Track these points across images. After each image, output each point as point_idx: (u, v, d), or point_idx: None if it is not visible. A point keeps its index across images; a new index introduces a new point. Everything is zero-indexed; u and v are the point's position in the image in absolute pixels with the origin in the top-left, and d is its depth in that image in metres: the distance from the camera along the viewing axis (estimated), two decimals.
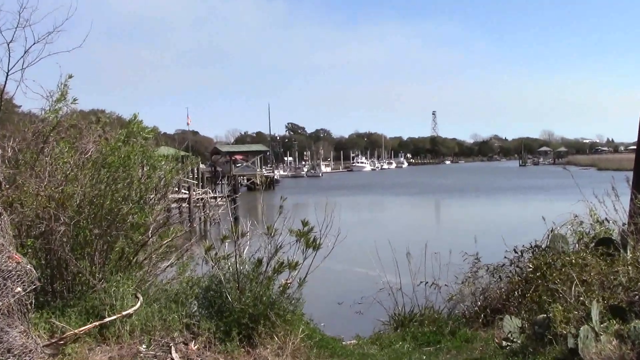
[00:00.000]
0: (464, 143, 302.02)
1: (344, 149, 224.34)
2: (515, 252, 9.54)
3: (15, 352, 5.08)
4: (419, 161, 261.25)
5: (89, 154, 7.55)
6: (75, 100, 7.74)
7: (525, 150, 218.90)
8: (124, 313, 6.61)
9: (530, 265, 8.78)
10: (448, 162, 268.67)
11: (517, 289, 8.76)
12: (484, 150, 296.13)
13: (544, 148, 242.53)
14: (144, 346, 6.54)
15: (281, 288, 7.56)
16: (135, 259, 7.75)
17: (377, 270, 10.21)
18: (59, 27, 7.52)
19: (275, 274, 7.58)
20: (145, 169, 7.95)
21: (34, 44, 7.38)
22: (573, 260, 7.80)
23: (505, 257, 9.61)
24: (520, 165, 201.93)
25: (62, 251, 6.95)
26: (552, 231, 9.36)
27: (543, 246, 9.27)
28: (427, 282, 10.08)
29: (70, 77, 7.63)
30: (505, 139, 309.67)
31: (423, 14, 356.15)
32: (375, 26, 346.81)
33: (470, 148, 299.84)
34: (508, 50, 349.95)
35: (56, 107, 7.61)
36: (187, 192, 46.31)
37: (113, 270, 7.24)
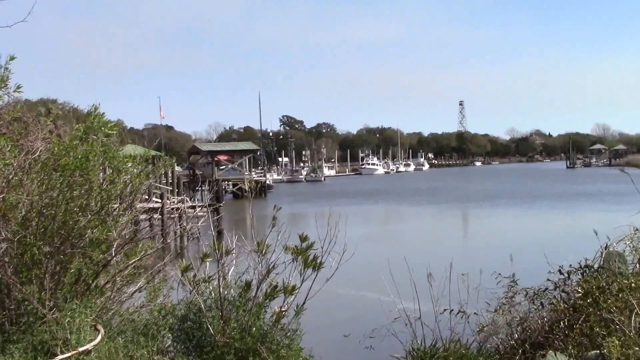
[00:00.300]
0: (497, 140, 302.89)
1: (351, 148, 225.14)
2: (561, 273, 9.50)
3: None
4: (443, 162, 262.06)
5: (37, 153, 7.47)
6: (19, 87, 7.67)
7: (574, 148, 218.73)
8: (80, 349, 6.57)
9: (580, 290, 8.73)
10: (478, 164, 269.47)
11: (563, 319, 8.71)
12: (523, 148, 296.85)
13: (597, 146, 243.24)
14: None
15: (274, 317, 7.54)
16: (95, 283, 7.71)
17: (391, 296, 10.15)
18: None
19: (267, 300, 7.57)
20: (107, 173, 7.91)
21: None
22: (633, 284, 7.76)
23: (548, 280, 9.56)
24: (567, 167, 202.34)
25: (4, 274, 6.90)
26: (606, 248, 9.32)
27: (595, 266, 9.23)
28: (452, 310, 10.02)
29: (13, 58, 7.55)
30: (549, 135, 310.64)
31: None
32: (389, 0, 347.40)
33: (505, 146, 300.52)
34: (552, 27, 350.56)
35: None
36: (160, 200, 46.44)
37: (67, 297, 7.20)
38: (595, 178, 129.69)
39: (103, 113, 7.97)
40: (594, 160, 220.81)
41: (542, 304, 9.52)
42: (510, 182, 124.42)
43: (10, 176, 7.16)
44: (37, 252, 7.11)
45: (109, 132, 7.96)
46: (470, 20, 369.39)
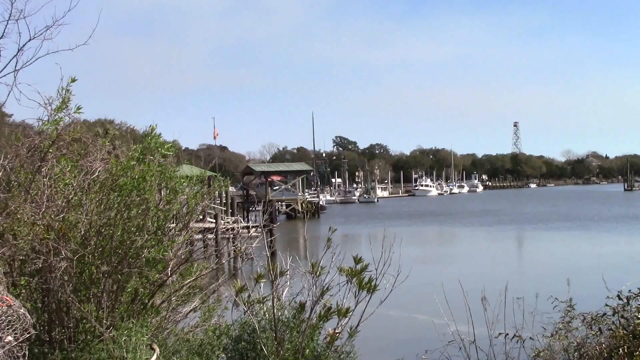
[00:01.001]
0: (553, 162, 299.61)
1: (405, 169, 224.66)
2: (620, 298, 9.34)
3: None
4: (498, 184, 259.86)
5: (96, 174, 7.55)
6: (79, 108, 7.76)
7: (632, 170, 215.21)
8: None
9: (639, 316, 8.58)
10: (533, 186, 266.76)
11: (623, 345, 8.56)
12: (579, 170, 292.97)
13: None
14: None
15: (328, 339, 7.52)
16: (151, 302, 7.77)
17: (444, 318, 10.07)
18: (59, 20, 7.52)
19: (321, 322, 7.55)
20: (163, 193, 7.98)
21: (29, 40, 7.38)
22: None
23: (606, 305, 9.40)
24: (625, 190, 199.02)
25: (63, 292, 6.99)
26: None
27: None
28: (507, 334, 9.91)
29: (74, 80, 7.65)
30: (606, 157, 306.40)
31: (501, 3, 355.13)
32: (442, 18, 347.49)
33: (561, 168, 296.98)
34: (609, 46, 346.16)
35: (56, 116, 7.61)
36: (214, 220, 46.74)
37: (124, 316, 7.27)
38: None
39: (160, 134, 8.06)
40: None
41: (600, 329, 9.36)
42: (567, 204, 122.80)
43: (70, 196, 7.27)
44: (95, 271, 7.19)
45: (166, 152, 8.04)
46: (525, 39, 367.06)
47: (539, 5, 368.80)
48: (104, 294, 7.23)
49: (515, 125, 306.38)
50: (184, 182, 8.21)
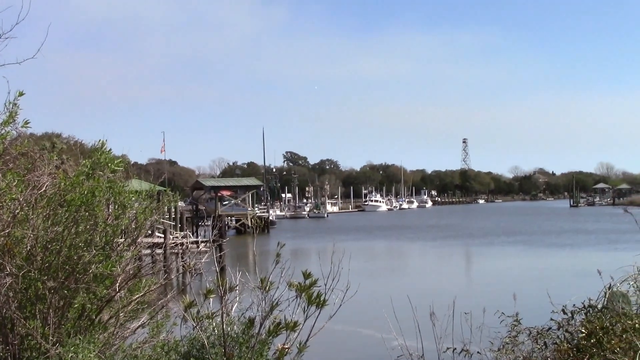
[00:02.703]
0: (501, 178, 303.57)
1: (355, 184, 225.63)
2: (565, 313, 9.47)
3: None
4: (447, 200, 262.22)
5: (43, 189, 7.50)
6: (26, 122, 7.70)
7: (577, 187, 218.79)
8: None
9: (583, 330, 8.70)
10: (482, 201, 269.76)
11: (567, 359, 8.69)
12: (526, 187, 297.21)
13: (601, 185, 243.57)
14: None
15: (277, 354, 7.52)
16: (98, 318, 7.70)
17: (393, 333, 10.12)
18: (7, 33, 7.52)
19: (271, 337, 7.54)
20: (112, 208, 7.93)
21: None
22: (637, 325, 7.74)
23: (551, 319, 9.53)
24: (571, 206, 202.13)
25: (7, 308, 6.91)
26: (610, 288, 9.31)
27: (599, 306, 9.21)
28: (455, 349, 10.00)
29: (21, 94, 7.59)
30: (553, 174, 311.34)
31: (454, 21, 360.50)
32: (394, 36, 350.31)
33: (509, 184, 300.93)
34: (555, 66, 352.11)
35: (3, 131, 7.55)
36: (163, 235, 46.42)
37: (71, 332, 7.19)
38: (598, 217, 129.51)
39: (110, 149, 8.02)
40: (598, 199, 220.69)
41: (545, 343, 9.48)
42: (514, 220, 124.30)
43: (17, 211, 7.19)
44: (41, 287, 7.11)
45: (115, 168, 7.99)
46: (475, 58, 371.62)
47: (489, 25, 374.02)
48: (50, 310, 7.16)
49: (464, 142, 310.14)
50: (132, 197, 8.17)
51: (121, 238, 8.02)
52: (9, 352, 7.03)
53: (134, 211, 8.14)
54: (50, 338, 6.98)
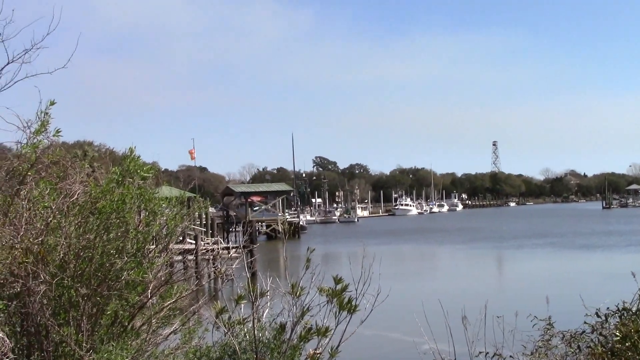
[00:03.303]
0: (532, 180, 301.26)
1: (385, 189, 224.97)
2: (598, 316, 9.38)
3: None
4: (477, 203, 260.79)
5: (75, 197, 7.55)
6: (58, 131, 7.76)
7: (610, 189, 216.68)
8: None
9: (617, 333, 8.61)
10: (513, 204, 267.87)
11: None
12: (558, 189, 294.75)
13: (634, 186, 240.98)
14: None
15: (309, 359, 7.51)
16: (131, 325, 7.75)
17: (425, 337, 10.08)
18: (38, 44, 7.54)
19: (302, 342, 7.54)
20: (143, 215, 7.97)
21: (7, 63, 7.40)
22: None
23: (585, 323, 9.44)
24: (603, 208, 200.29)
25: (42, 316, 6.96)
26: None
27: (634, 309, 9.11)
28: (487, 353, 9.93)
29: (53, 103, 7.66)
30: (584, 176, 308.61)
31: (480, 23, 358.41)
32: (422, 39, 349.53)
33: (540, 187, 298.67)
34: (587, 66, 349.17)
35: (35, 139, 7.61)
36: (194, 242, 46.58)
37: (104, 339, 7.24)
38: (631, 219, 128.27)
39: (139, 156, 8.06)
40: (631, 200, 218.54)
41: (579, 347, 9.39)
42: (545, 222, 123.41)
43: (49, 219, 7.25)
44: (74, 294, 7.16)
45: (145, 175, 8.03)
46: (503, 60, 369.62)
47: (517, 25, 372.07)
48: (84, 317, 7.20)
49: (494, 144, 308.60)
50: (163, 203, 8.21)
51: (152, 245, 8.05)
52: (44, 359, 7.07)
53: (165, 218, 8.17)
54: (84, 345, 7.02)
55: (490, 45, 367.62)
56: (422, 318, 10.18)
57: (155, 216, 8.03)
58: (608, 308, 9.38)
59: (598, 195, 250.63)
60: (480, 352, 9.93)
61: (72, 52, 8.12)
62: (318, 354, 7.55)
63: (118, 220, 7.52)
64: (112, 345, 7.01)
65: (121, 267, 7.42)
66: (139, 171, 7.93)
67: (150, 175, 8.21)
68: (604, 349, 8.79)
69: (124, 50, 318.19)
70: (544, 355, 9.55)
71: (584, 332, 9.43)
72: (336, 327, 7.59)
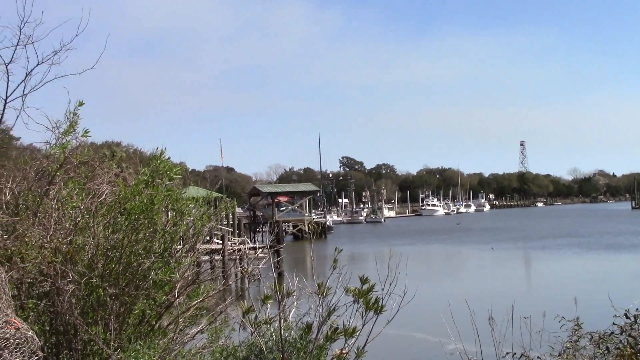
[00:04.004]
0: (560, 180, 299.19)
1: (411, 189, 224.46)
2: (627, 317, 9.31)
3: None
4: (504, 203, 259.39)
5: (103, 197, 7.59)
6: (86, 132, 7.82)
7: (639, 189, 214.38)
8: None
9: None
10: (540, 204, 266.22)
11: None
12: (586, 189, 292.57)
13: None
14: None
15: (335, 359, 7.50)
16: (158, 324, 7.78)
17: (451, 338, 10.05)
18: (67, 45, 7.60)
19: (328, 342, 7.53)
20: (170, 215, 8.01)
21: (37, 65, 7.47)
22: None
23: (614, 324, 9.37)
24: (632, 208, 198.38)
25: (71, 315, 7.01)
26: None
27: None
28: (514, 354, 9.88)
29: (81, 104, 7.72)
30: (613, 175, 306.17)
31: (508, 21, 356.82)
32: (449, 38, 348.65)
33: (568, 187, 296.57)
34: (616, 64, 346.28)
35: (64, 140, 7.67)
36: (221, 242, 46.73)
37: (132, 338, 7.28)
38: None
39: (168, 157, 8.09)
40: None
41: (607, 348, 9.32)
42: (574, 223, 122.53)
43: (78, 219, 7.31)
44: (102, 293, 7.21)
45: (174, 176, 8.06)
46: (531, 59, 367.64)
47: (544, 24, 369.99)
48: (112, 316, 7.25)
49: (521, 144, 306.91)
50: (190, 203, 8.24)
51: (179, 245, 8.09)
52: (72, 358, 7.12)
53: (192, 218, 8.20)
54: (112, 343, 7.06)
55: (516, 45, 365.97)
56: (448, 318, 10.15)
57: (183, 216, 8.06)
58: (637, 309, 9.30)
59: (627, 195, 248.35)
60: (507, 353, 9.88)
61: (100, 53, 8.20)
62: (345, 354, 7.55)
63: (146, 221, 7.56)
64: (140, 344, 7.04)
65: (149, 266, 7.46)
66: (168, 172, 7.97)
67: (179, 176, 8.25)
68: (632, 351, 8.72)
69: (153, 52, 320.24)
70: (572, 356, 9.48)
71: (612, 333, 9.36)
72: (362, 327, 7.58)
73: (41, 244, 6.96)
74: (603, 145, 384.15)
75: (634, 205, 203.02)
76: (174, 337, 7.94)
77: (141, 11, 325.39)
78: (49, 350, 7.02)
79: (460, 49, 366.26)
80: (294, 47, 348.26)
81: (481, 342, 9.99)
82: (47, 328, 7.14)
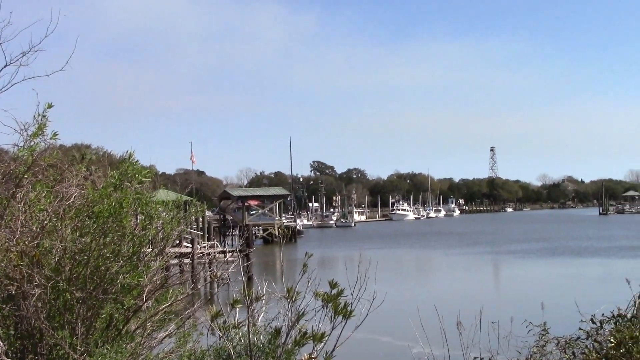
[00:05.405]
0: (529, 186, 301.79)
1: (382, 193, 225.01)
2: (593, 322, 9.39)
3: None
4: (474, 208, 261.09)
5: (72, 200, 7.55)
6: (55, 134, 7.76)
7: (607, 195, 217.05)
8: None
9: (612, 340, 8.62)
10: (510, 210, 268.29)
11: None
12: (555, 195, 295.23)
13: (631, 192, 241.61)
14: None
15: None
16: (125, 328, 7.74)
17: (420, 343, 10.09)
18: (36, 46, 7.55)
19: (297, 347, 7.52)
20: (139, 219, 7.97)
21: (5, 66, 7.40)
22: None
23: (580, 329, 9.46)
24: (600, 214, 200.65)
25: (37, 319, 6.95)
26: (639, 297, 9.22)
27: (628, 315, 9.12)
28: (482, 358, 9.95)
29: (50, 106, 7.66)
30: (582, 182, 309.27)
31: (482, 29, 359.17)
32: (423, 44, 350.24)
33: (537, 192, 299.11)
34: (585, 71, 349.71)
35: (32, 142, 7.61)
36: (190, 245, 46.59)
37: (98, 342, 7.23)
38: (628, 225, 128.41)
39: (137, 160, 8.06)
40: (628, 207, 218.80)
41: (574, 353, 9.40)
42: (542, 228, 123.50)
43: (45, 222, 7.25)
44: (69, 297, 7.16)
45: (143, 179, 8.03)
46: (503, 66, 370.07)
47: (516, 32, 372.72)
48: (78, 321, 7.19)
49: (492, 150, 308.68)
50: (160, 207, 8.21)
51: (148, 248, 8.05)
52: None
53: (161, 221, 8.17)
54: (78, 348, 7.01)
55: (490, 51, 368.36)
56: (417, 323, 10.18)
57: (152, 220, 8.03)
58: (603, 314, 9.39)
59: (595, 201, 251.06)
60: (475, 358, 9.94)
61: (69, 54, 8.14)
62: (313, 358, 7.55)
63: (115, 224, 7.52)
64: (107, 348, 7.00)
65: (117, 270, 7.41)
66: (137, 175, 7.93)
67: (148, 179, 8.22)
68: (598, 356, 8.79)
69: (125, 54, 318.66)
70: None
71: (579, 338, 9.44)
72: (331, 331, 7.58)
73: (7, 247, 6.89)
74: (572, 152, 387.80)
75: (601, 211, 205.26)
76: (142, 342, 7.89)
77: (115, 13, 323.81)
78: (14, 355, 6.96)
79: (434, 54, 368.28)
80: (269, 50, 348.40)
81: (449, 347, 10.03)
82: (12, 332, 7.08)
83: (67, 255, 7.24)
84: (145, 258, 7.92)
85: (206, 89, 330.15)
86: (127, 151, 8.10)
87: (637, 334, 8.14)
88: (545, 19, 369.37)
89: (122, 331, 7.67)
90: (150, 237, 8.00)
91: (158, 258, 8.19)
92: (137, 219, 7.94)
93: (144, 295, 7.74)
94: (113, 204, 7.44)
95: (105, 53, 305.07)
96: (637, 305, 9.05)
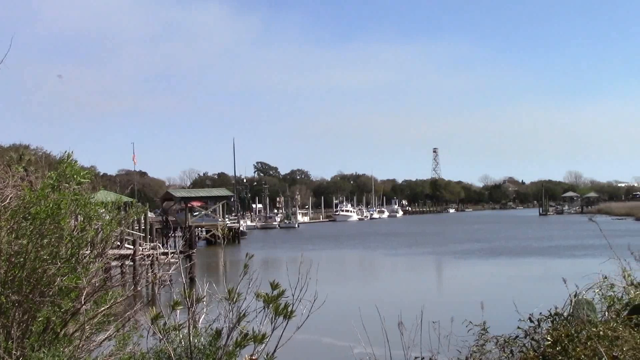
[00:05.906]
0: (471, 187, 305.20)
1: (326, 194, 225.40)
2: (531, 321, 9.52)
3: None
4: (417, 209, 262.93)
5: (8, 201, 7.44)
6: None
7: (547, 196, 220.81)
8: None
9: (549, 338, 8.75)
10: (452, 211, 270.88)
11: None
12: (496, 196, 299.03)
13: (570, 193, 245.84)
14: None
15: None
16: (63, 331, 7.63)
17: (362, 343, 10.13)
18: None
19: (238, 349, 7.51)
20: (78, 220, 7.87)
21: None
22: (601, 332, 7.79)
23: (518, 328, 9.58)
24: (540, 215, 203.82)
25: None
26: (575, 296, 9.36)
27: (565, 314, 9.26)
28: (423, 358, 10.02)
29: None
30: (522, 183, 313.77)
31: (427, 32, 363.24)
32: (368, 47, 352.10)
33: (479, 193, 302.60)
34: (525, 75, 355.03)
35: None
36: (132, 247, 46.16)
37: (35, 346, 7.12)
38: (566, 225, 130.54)
39: (76, 161, 7.96)
40: (567, 207, 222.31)
41: (512, 352, 9.52)
42: (483, 229, 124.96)
43: None
44: (4, 300, 7.03)
45: (82, 180, 7.93)
46: (446, 69, 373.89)
47: (460, 35, 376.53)
48: (14, 324, 7.09)
49: (434, 151, 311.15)
50: (99, 208, 8.11)
51: (87, 250, 7.95)
52: None
53: (100, 222, 8.08)
54: (14, 352, 6.91)
55: (434, 54, 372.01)
56: (358, 323, 10.22)
57: (91, 221, 7.93)
58: (541, 313, 9.53)
59: (535, 202, 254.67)
60: (416, 358, 10.01)
61: (4, 53, 8.03)
62: (254, 359, 7.53)
63: (53, 226, 7.41)
64: (44, 352, 6.90)
65: (54, 272, 7.30)
66: (75, 176, 7.83)
67: (87, 180, 8.12)
68: (535, 354, 8.92)
69: (66, 54, 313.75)
70: (478, 359, 9.66)
71: (517, 337, 9.56)
72: (272, 333, 7.57)
73: None
74: (513, 154, 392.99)
75: (541, 211, 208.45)
76: (80, 345, 7.79)
77: (56, 13, 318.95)
78: None
79: (378, 57, 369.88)
80: (212, 52, 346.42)
81: (390, 347, 10.09)
82: None
83: (2, 258, 7.12)
84: (84, 260, 7.82)
85: (149, 90, 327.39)
86: (66, 152, 8.00)
87: (573, 332, 8.27)
88: (487, 22, 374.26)
89: (59, 334, 7.55)
90: (89, 239, 7.90)
91: (97, 259, 8.09)
92: (76, 220, 7.84)
93: (82, 297, 7.65)
94: (50, 205, 7.33)
95: (46, 53, 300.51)
96: (573, 304, 9.19)
